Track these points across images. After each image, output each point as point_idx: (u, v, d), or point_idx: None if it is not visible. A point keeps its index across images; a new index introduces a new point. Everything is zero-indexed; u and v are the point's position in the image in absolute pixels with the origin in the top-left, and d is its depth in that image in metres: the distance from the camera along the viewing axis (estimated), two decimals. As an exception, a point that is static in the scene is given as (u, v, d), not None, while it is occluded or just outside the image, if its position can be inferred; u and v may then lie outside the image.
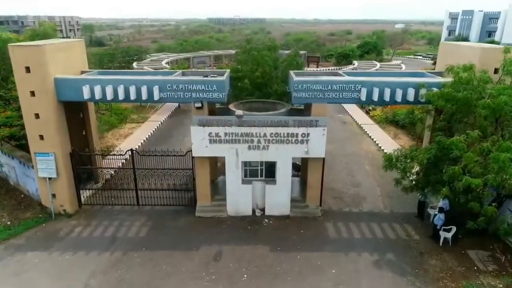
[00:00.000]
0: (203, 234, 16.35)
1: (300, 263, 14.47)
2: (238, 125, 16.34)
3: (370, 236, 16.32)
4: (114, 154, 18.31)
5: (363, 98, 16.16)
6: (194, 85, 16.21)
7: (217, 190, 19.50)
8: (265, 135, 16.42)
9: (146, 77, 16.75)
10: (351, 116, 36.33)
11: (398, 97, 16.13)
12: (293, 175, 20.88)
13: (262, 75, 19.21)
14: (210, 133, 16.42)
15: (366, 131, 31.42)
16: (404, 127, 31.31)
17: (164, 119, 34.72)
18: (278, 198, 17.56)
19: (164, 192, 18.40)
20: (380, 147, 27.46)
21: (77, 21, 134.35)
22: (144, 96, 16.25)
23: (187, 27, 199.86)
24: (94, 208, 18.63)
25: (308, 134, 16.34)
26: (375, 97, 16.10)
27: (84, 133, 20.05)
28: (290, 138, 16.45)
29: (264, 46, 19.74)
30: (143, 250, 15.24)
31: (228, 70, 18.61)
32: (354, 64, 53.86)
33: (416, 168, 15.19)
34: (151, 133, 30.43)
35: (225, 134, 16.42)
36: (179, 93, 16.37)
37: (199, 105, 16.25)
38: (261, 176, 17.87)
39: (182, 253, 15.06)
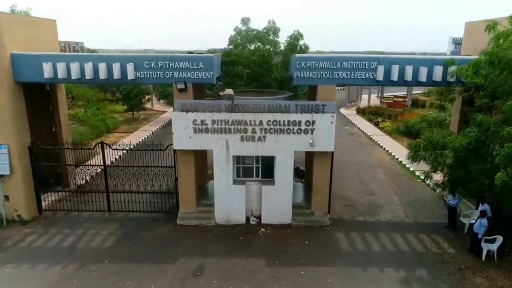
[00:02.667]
0: (182, 244, 13.13)
1: (304, 280, 11.17)
2: (229, 111, 13.50)
3: (393, 249, 13.02)
4: (81, 148, 15.32)
5: (380, 77, 13.35)
6: (177, 63, 13.53)
7: (205, 195, 16.39)
8: (261, 123, 13.53)
9: (119, 54, 14.07)
10: (359, 128, 33.51)
11: (422, 76, 13.32)
12: (295, 181, 17.87)
13: (259, 62, 16.53)
14: (195, 120, 13.56)
15: (376, 141, 28.50)
16: (418, 137, 28.27)
17: (156, 129, 31.98)
18: (278, 202, 14.40)
19: (141, 195, 15.33)
20: (394, 156, 24.43)
21: (81, 46, 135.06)
22: (116, 75, 13.53)
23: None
24: (57, 214, 15.52)
25: (313, 122, 13.44)
26: (394, 77, 13.30)
27: (54, 130, 17.29)
28: (291, 127, 13.53)
29: (263, 29, 17.21)
30: (104, 263, 12.00)
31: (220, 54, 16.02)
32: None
33: (449, 159, 12.09)
34: (139, 141, 27.59)
35: (213, 121, 13.56)
36: (158, 72, 13.66)
37: (182, 86, 13.49)
38: (257, 175, 14.80)
39: (153, 266, 11.81)
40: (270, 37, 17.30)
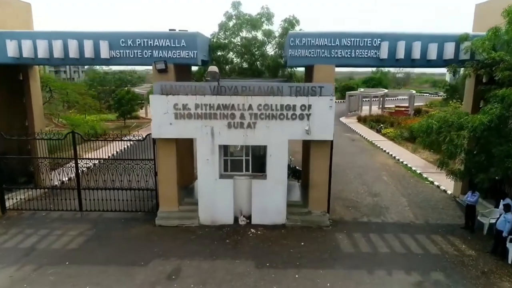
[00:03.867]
0: (159, 246, 11.35)
1: (299, 283, 9.35)
2: (214, 94, 11.98)
3: (403, 251, 11.20)
4: (49, 139, 13.63)
5: (384, 55, 11.87)
6: (156, 40, 12.11)
7: (190, 194, 14.67)
8: (250, 107, 11.98)
9: (92, 31, 12.64)
10: (360, 135, 31.93)
11: (432, 54, 11.85)
12: (292, 181, 16.22)
13: (251, 49, 15.12)
14: (176, 104, 12.02)
15: (379, 146, 26.85)
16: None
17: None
18: (270, 200, 12.68)
19: (116, 193, 13.62)
20: (398, 159, 22.74)
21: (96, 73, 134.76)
22: (88, 53, 12.09)
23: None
24: (22, 214, 13.78)
25: (309, 107, 11.88)
26: (400, 54, 11.83)
27: (26, 124, 15.75)
28: (285, 112, 11.97)
29: (255, 15, 15.81)
30: (64, 265, 10.21)
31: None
32: (360, 90, 50.39)
33: (465, 143, 10.41)
34: (129, 145, 25.91)
35: (196, 106, 12.01)
36: (136, 51, 12.23)
37: (161, 66, 12.01)
38: (247, 169, 13.14)
39: (120, 269, 10.00)
40: (264, 24, 15.93)
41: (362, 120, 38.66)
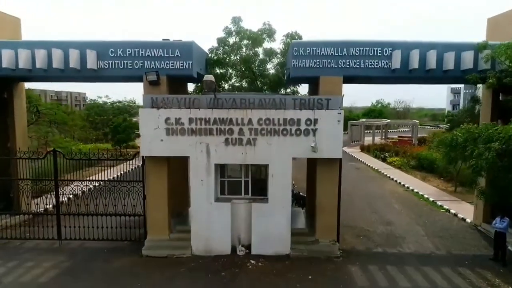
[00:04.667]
0: (143, 280, 9.78)
1: (308, 326, 7.74)
2: (210, 107, 10.87)
3: (428, 285, 9.61)
4: (29, 158, 12.27)
5: (396, 65, 10.87)
6: (148, 50, 11.18)
7: (183, 221, 13.19)
8: (250, 122, 10.83)
9: (79, 40, 11.73)
10: (365, 163, 30.68)
11: (449, 64, 10.85)
12: (295, 208, 14.82)
13: (251, 66, 14.22)
14: (168, 119, 10.88)
15: (386, 174, 25.50)
16: (432, 171, 25.35)
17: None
18: (272, 226, 11.21)
19: (100, 219, 12.17)
20: (408, 187, 21.32)
21: (83, 97, 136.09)
22: (74, 63, 11.10)
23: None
24: (-7, 244, 12.26)
25: (315, 121, 10.73)
26: (414, 64, 10.82)
27: (8, 145, 14.52)
28: (288, 127, 10.80)
29: (257, 31, 14.96)
30: (29, 302, 8.64)
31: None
32: (362, 120, 49.66)
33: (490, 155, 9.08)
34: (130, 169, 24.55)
35: (190, 120, 10.87)
36: (126, 61, 11.27)
37: (153, 77, 10.99)
38: (246, 192, 11.79)
39: (95, 307, 8.42)
40: (266, 41, 15.13)
41: (365, 149, 37.56)
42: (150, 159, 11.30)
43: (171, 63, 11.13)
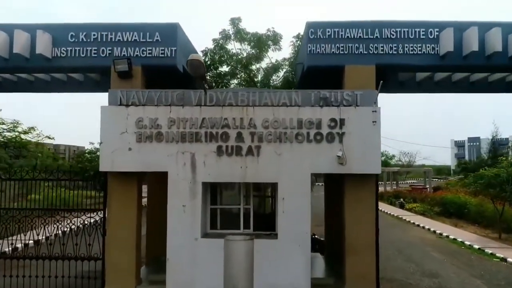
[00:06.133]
0: None
1: None
2: (199, 104, 8.01)
3: None
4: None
5: (446, 48, 8.14)
6: (120, 33, 8.58)
7: (157, 268, 9.67)
8: (252, 124, 7.90)
9: (33, 23, 9.17)
10: (381, 210, 26.96)
11: (520, 46, 8.15)
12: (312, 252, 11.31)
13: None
14: (140, 120, 7.98)
15: (409, 221, 22.05)
16: (461, 217, 21.87)
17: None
18: (283, 272, 7.78)
19: (42, 264, 8.70)
20: (441, 234, 17.79)
21: (82, 151, 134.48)
22: (19, 48, 8.39)
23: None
24: None
25: (342, 122, 7.81)
26: (473, 46, 8.09)
27: None
28: (305, 131, 7.85)
29: (260, 35, 12.61)
30: None
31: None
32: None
33: None
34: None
35: (171, 122, 7.95)
36: (90, 48, 8.59)
37: (124, 67, 8.24)
38: (246, 224, 8.48)
39: None
40: (270, 50, 12.74)
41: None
42: (114, 176, 8.19)
43: (148, 49, 8.46)
